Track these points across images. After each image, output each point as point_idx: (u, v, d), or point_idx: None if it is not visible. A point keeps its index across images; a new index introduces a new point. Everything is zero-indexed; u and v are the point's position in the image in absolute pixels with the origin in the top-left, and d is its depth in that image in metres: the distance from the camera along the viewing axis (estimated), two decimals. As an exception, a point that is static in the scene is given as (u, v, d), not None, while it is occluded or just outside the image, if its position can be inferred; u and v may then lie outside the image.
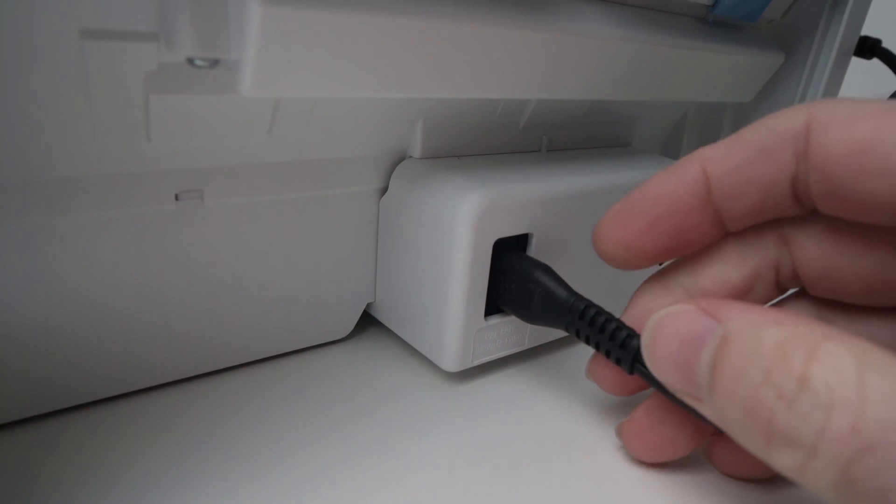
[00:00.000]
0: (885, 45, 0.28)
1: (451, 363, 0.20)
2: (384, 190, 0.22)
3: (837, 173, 0.13)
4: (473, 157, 0.22)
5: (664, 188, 0.16)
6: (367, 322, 0.24)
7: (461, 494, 0.17)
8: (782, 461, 0.11)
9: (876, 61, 0.29)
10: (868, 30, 0.28)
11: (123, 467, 0.16)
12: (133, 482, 0.16)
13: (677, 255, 0.17)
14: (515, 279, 0.20)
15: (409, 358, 0.23)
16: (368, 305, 0.24)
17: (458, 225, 0.19)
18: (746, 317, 0.13)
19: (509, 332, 0.22)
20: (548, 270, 0.19)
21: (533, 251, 0.21)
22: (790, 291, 0.18)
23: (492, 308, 0.21)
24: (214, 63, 0.14)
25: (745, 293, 0.17)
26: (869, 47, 0.28)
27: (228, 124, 0.17)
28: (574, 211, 0.21)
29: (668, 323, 0.15)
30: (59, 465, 0.16)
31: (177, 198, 0.18)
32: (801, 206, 0.15)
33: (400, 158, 0.22)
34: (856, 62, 0.28)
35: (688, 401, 0.14)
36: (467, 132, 0.22)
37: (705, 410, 0.14)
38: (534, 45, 0.18)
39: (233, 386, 0.20)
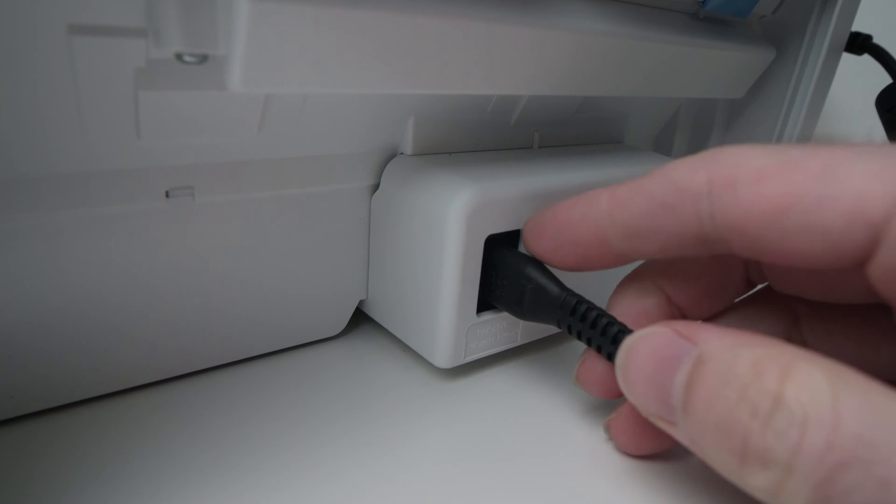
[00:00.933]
0: (875, 40, 0.28)
1: (443, 360, 0.20)
2: (376, 187, 0.22)
3: (758, 235, 0.13)
4: (465, 154, 0.22)
5: (569, 219, 0.17)
6: (360, 319, 0.24)
7: (454, 489, 0.17)
8: (756, 482, 0.11)
9: (867, 57, 0.29)
10: (859, 26, 0.28)
11: (115, 466, 0.16)
12: (125, 480, 0.16)
13: (591, 269, 0.18)
14: (507, 275, 0.20)
15: (401, 355, 0.23)
16: (361, 302, 0.24)
17: (449, 221, 0.19)
18: (721, 338, 0.13)
19: (501, 328, 0.22)
20: (539, 266, 0.19)
21: (524, 247, 0.21)
22: (759, 287, 0.18)
23: (484, 304, 0.21)
24: (203, 59, 0.14)
25: (718, 289, 0.17)
26: (860, 43, 0.28)
27: (218, 121, 0.17)
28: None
29: (642, 344, 0.15)
30: (51, 463, 0.16)
31: (167, 195, 0.18)
32: (709, 250, 0.15)
33: (391, 155, 0.22)
34: (847, 58, 0.29)
35: (660, 424, 0.14)
36: (459, 129, 0.22)
37: (677, 433, 0.14)
38: (524, 42, 0.18)
39: (225, 383, 0.20)
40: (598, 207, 0.16)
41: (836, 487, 0.10)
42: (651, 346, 0.14)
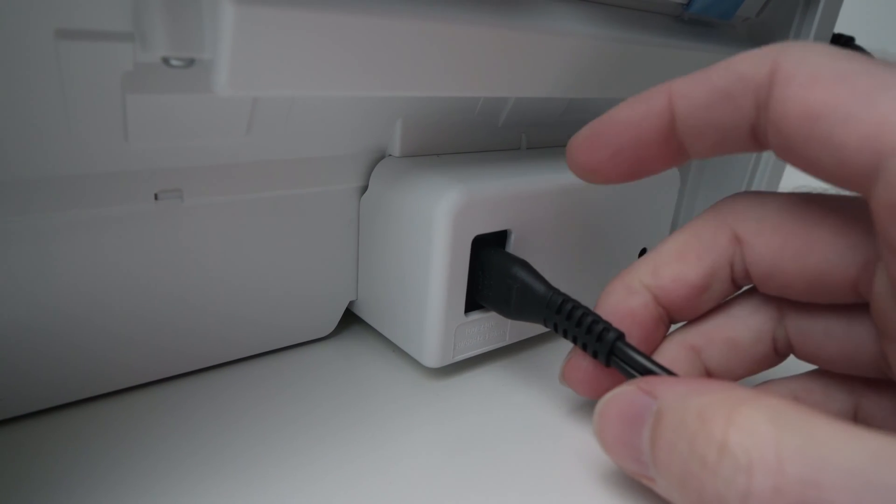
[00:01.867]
0: (858, 42, 0.29)
1: (432, 359, 0.21)
2: (365, 188, 0.22)
3: (791, 134, 0.13)
4: (453, 155, 0.23)
5: (631, 118, 0.17)
6: (350, 320, 0.24)
7: (442, 487, 0.17)
8: None
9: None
10: (843, 28, 0.29)
11: (105, 468, 0.16)
12: (116, 483, 0.16)
13: (641, 177, 0.18)
14: (494, 275, 0.20)
15: (391, 355, 0.23)
16: (351, 303, 0.24)
17: (436, 222, 0.19)
18: (675, 389, 0.13)
19: (490, 327, 0.22)
20: (526, 266, 0.19)
21: (512, 247, 0.21)
22: (745, 288, 0.19)
23: (472, 304, 0.21)
24: (190, 62, 0.14)
25: (703, 290, 0.18)
26: (842, 44, 0.29)
27: (206, 123, 0.17)
28: (552, 207, 0.22)
29: (611, 406, 0.15)
30: (41, 465, 0.16)
31: (156, 197, 0.18)
32: (759, 147, 0.15)
33: (380, 157, 0.22)
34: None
35: (644, 482, 0.14)
36: (446, 130, 0.22)
37: (657, 489, 0.14)
38: (510, 44, 0.18)
39: (216, 384, 0.20)
40: (660, 102, 0.16)
41: None
42: (617, 407, 0.15)
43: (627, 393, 0.15)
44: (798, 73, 0.13)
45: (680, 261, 0.18)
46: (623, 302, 0.18)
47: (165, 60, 0.14)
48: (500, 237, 0.21)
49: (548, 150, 0.25)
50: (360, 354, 0.23)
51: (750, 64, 0.14)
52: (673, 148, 0.16)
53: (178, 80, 0.16)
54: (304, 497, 0.16)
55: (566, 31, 0.19)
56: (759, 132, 0.15)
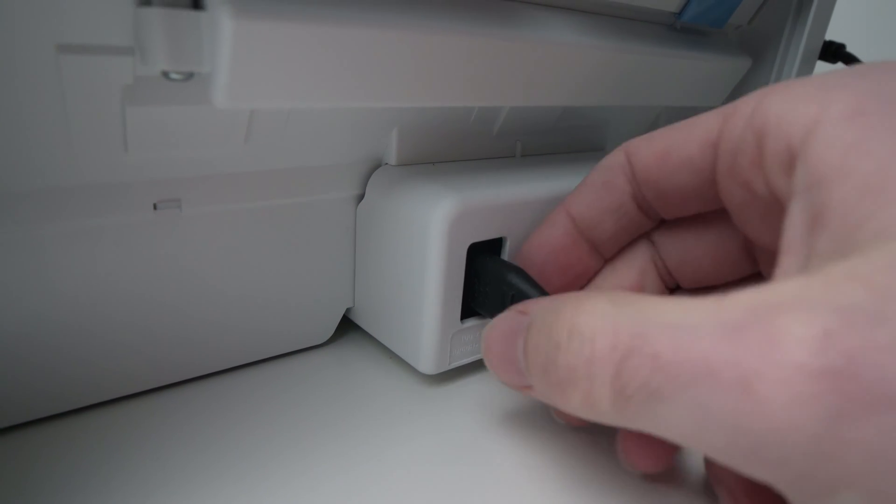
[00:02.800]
0: (848, 49, 0.29)
1: (428, 366, 0.21)
2: (361, 196, 0.22)
3: (654, 178, 0.17)
4: (448, 164, 0.23)
5: (543, 237, 0.20)
6: (347, 327, 0.25)
7: (439, 494, 0.17)
8: (576, 403, 0.13)
9: (841, 65, 0.29)
10: (835, 35, 0.29)
11: (103, 475, 0.17)
12: (116, 489, 0.16)
13: (574, 287, 0.20)
14: (489, 282, 0.20)
15: (388, 362, 0.23)
16: (348, 310, 0.24)
17: (432, 230, 0.19)
18: (545, 303, 0.15)
19: (486, 334, 0.22)
20: (521, 273, 0.20)
21: (507, 255, 0.21)
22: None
23: (468, 311, 0.21)
24: (189, 76, 0.15)
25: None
26: (833, 51, 0.29)
27: (205, 135, 0.17)
28: (547, 214, 0.22)
29: (493, 328, 0.17)
30: (41, 473, 0.17)
31: (155, 207, 0.18)
32: (650, 219, 0.19)
33: (376, 165, 0.22)
34: (822, 67, 0.29)
35: (525, 393, 0.16)
36: (442, 139, 0.23)
37: (535, 394, 0.15)
38: (504, 55, 0.19)
39: (214, 391, 0.21)
40: (561, 216, 0.20)
41: (625, 375, 0.12)
42: (499, 328, 0.16)
43: (507, 316, 0.16)
44: (641, 141, 0.18)
45: (614, 270, 0.20)
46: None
47: (165, 74, 0.14)
48: (496, 245, 0.21)
49: (543, 158, 0.26)
50: (357, 361, 0.23)
51: (610, 157, 0.19)
52: (585, 250, 0.20)
53: (177, 92, 0.16)
54: None
55: (560, 41, 0.20)
56: (640, 202, 0.19)
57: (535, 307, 0.15)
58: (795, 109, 0.13)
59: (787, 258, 0.13)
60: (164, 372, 0.20)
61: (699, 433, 0.11)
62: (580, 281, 0.20)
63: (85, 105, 0.15)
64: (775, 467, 0.10)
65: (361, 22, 0.15)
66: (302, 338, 0.23)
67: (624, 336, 0.12)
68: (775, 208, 0.14)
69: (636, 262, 0.20)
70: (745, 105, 0.14)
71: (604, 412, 0.13)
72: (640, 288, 0.20)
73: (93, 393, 0.19)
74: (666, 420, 0.11)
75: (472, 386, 0.22)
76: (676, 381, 0.11)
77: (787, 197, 0.13)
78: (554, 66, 0.20)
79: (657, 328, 0.12)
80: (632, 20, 0.23)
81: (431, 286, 0.20)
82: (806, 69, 0.28)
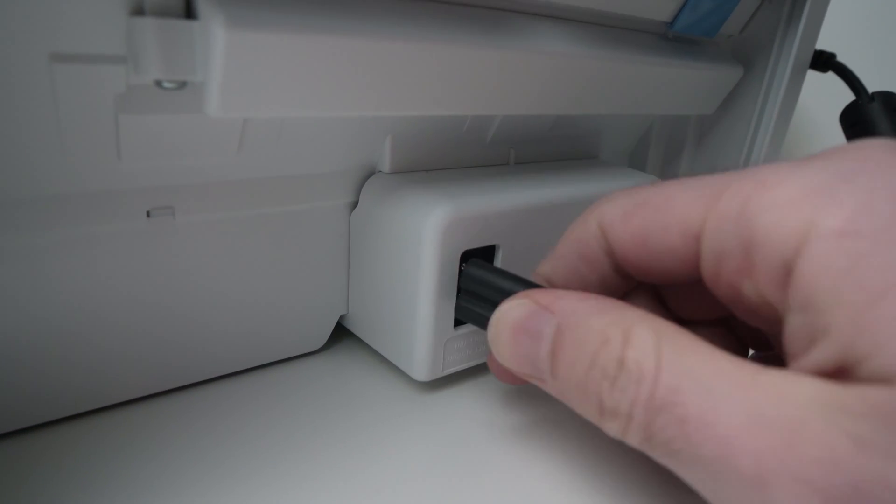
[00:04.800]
0: (839, 59, 0.29)
1: (421, 373, 0.21)
2: (355, 204, 0.22)
3: (634, 260, 0.16)
4: (442, 172, 0.23)
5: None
6: (341, 334, 0.25)
7: (433, 500, 0.17)
8: (610, 428, 0.14)
9: (832, 74, 0.30)
10: (827, 45, 0.29)
11: (100, 481, 0.17)
12: (110, 495, 0.16)
13: None
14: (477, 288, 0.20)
15: (381, 368, 0.23)
16: (342, 317, 0.24)
17: (425, 238, 0.19)
18: (576, 307, 0.15)
19: (479, 341, 0.22)
20: (514, 278, 0.19)
21: (500, 262, 0.21)
22: None
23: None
24: (182, 85, 0.15)
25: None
26: (824, 61, 0.29)
27: (198, 143, 0.17)
28: (540, 222, 0.22)
29: (508, 318, 0.16)
30: (37, 479, 0.17)
31: (148, 214, 0.18)
32: (623, 277, 0.18)
33: (370, 173, 0.22)
34: (813, 75, 0.29)
35: (533, 381, 0.16)
36: (435, 147, 0.23)
37: (548, 389, 0.16)
38: (497, 64, 0.19)
39: (209, 398, 0.21)
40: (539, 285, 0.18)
41: (654, 426, 0.13)
42: (515, 318, 0.16)
43: (525, 306, 0.16)
44: (615, 217, 0.17)
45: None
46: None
47: (158, 83, 0.14)
48: (489, 252, 0.21)
49: (536, 166, 0.26)
50: (351, 368, 0.23)
51: (583, 228, 0.17)
52: None
53: (169, 101, 0.16)
54: (293, 510, 0.16)
55: (553, 51, 0.20)
56: (622, 273, 0.17)
57: (568, 310, 0.15)
58: (785, 222, 0.12)
59: (796, 364, 0.13)
60: (159, 379, 0.20)
61: (711, 496, 0.12)
62: None
63: (78, 113, 0.15)
64: None
65: (353, 32, 0.15)
66: (296, 345, 0.23)
67: (662, 388, 0.13)
68: (764, 308, 0.14)
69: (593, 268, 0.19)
70: (728, 203, 0.14)
71: (631, 443, 0.14)
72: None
73: (86, 400, 0.19)
74: (682, 473, 0.13)
75: (465, 393, 0.22)
76: (697, 452, 0.12)
77: (784, 308, 0.13)
78: (547, 75, 0.21)
79: (691, 387, 0.12)
80: (624, 30, 0.24)
81: (424, 293, 0.20)
82: (797, 78, 0.28)
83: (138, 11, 0.14)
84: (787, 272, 0.13)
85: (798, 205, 0.12)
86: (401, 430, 0.20)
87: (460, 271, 0.20)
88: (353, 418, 0.20)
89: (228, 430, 0.19)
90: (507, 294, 0.18)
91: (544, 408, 0.21)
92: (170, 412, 0.20)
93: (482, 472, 0.18)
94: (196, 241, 0.19)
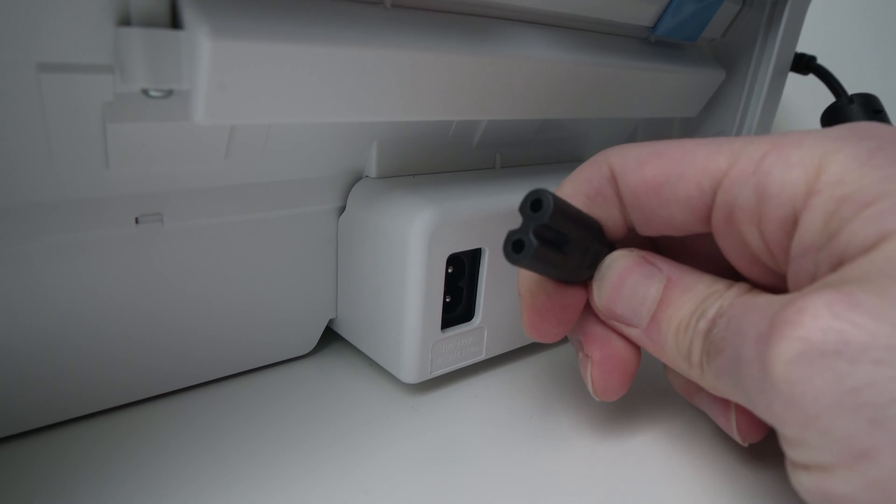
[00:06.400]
0: (819, 61, 0.30)
1: (410, 375, 0.21)
2: (342, 209, 0.23)
3: (643, 205, 0.17)
4: (428, 176, 0.23)
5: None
6: (330, 337, 0.25)
7: (421, 502, 0.17)
8: (690, 372, 0.16)
9: (813, 77, 0.30)
10: (808, 48, 0.30)
11: (87, 488, 0.17)
12: (102, 502, 0.16)
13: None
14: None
15: (370, 371, 0.23)
16: (331, 321, 0.24)
17: (411, 242, 0.19)
18: (680, 266, 0.17)
19: (466, 343, 0.22)
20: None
21: (486, 265, 0.22)
22: None
23: (448, 321, 0.21)
24: (169, 93, 0.15)
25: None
26: (805, 63, 0.30)
27: (185, 150, 0.17)
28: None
29: (620, 263, 0.18)
30: (31, 485, 0.17)
31: (137, 221, 0.18)
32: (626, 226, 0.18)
33: (357, 178, 0.23)
34: (794, 78, 0.30)
35: (619, 326, 0.18)
36: (422, 152, 0.23)
37: (634, 334, 0.18)
38: (482, 70, 0.19)
39: (199, 403, 0.21)
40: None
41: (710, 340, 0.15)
42: (626, 263, 0.18)
43: (634, 257, 0.18)
44: (627, 162, 0.17)
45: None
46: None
47: (145, 91, 0.15)
48: (475, 255, 0.21)
49: (522, 169, 0.26)
50: (340, 371, 0.23)
51: (594, 170, 0.18)
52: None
53: (156, 109, 0.16)
54: (283, 513, 0.16)
55: (536, 56, 0.20)
56: (626, 215, 0.18)
57: (672, 267, 0.17)
58: (796, 179, 0.14)
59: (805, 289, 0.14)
60: (149, 384, 0.20)
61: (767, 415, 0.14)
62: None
63: (66, 122, 0.15)
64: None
65: (338, 40, 0.15)
66: (285, 349, 0.23)
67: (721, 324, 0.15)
68: (764, 255, 0.15)
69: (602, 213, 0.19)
70: (748, 160, 0.15)
71: (711, 377, 0.15)
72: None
73: (75, 406, 0.19)
74: (754, 397, 0.14)
75: (453, 395, 0.22)
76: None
77: (784, 258, 0.15)
78: (531, 80, 0.21)
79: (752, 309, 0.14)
80: (606, 34, 0.24)
81: (412, 297, 0.20)
82: (778, 80, 0.28)
83: (125, 22, 0.14)
84: (794, 222, 0.14)
85: (807, 165, 0.14)
86: (389, 432, 0.20)
87: (540, 205, 0.17)
88: (343, 421, 0.20)
89: (219, 434, 0.19)
90: (594, 230, 0.18)
91: (532, 409, 0.22)
92: (160, 417, 0.20)
93: (470, 474, 0.18)
94: (185, 246, 0.19)
